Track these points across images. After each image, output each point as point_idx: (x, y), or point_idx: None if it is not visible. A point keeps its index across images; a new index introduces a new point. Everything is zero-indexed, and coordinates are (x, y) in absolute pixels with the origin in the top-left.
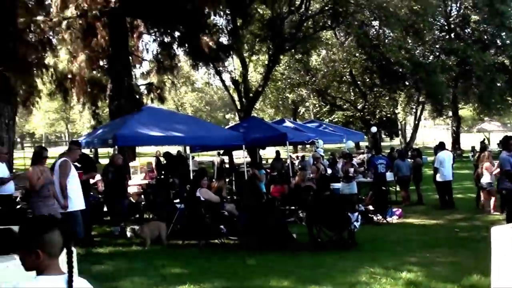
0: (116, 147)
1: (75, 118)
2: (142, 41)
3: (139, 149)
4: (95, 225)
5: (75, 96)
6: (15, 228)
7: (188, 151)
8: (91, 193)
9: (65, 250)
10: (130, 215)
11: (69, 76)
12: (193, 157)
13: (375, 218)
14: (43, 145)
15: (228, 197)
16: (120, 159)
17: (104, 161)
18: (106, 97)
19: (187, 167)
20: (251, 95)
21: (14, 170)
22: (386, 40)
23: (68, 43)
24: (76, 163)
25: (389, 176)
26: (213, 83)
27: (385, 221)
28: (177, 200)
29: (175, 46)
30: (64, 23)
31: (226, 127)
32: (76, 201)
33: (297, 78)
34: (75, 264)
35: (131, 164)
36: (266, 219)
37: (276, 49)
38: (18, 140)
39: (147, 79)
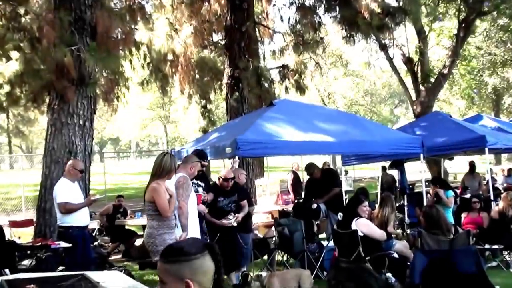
0: (236, 158)
1: (177, 118)
2: (274, 5)
3: (269, 161)
4: None
5: (178, 86)
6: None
7: (339, 163)
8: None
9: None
10: (255, 256)
11: (169, 57)
12: (346, 172)
13: None
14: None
15: (399, 231)
16: (243, 176)
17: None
18: (222, 87)
19: (337, 186)
20: (432, 80)
21: (91, 192)
22: None
23: (168, 11)
24: (197, 181)
25: None
26: (375, 64)
27: None
28: (323, 235)
29: (320, 12)
30: None
31: (395, 126)
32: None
33: (501, 54)
34: None
35: (257, 182)
36: (454, 264)
37: (470, 11)
38: (97, 149)
39: (280, 60)
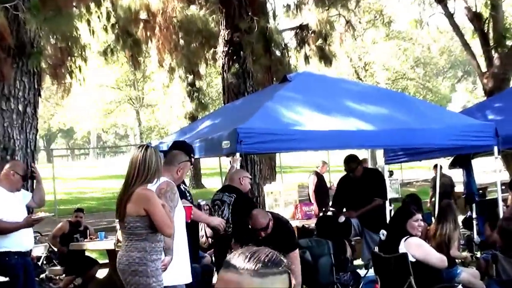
0: (237, 155)
1: (154, 100)
2: None
3: (283, 159)
4: None
5: (155, 56)
6: None
7: (380, 160)
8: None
9: None
10: None
11: (143, 16)
12: (391, 173)
13: None
14: (92, 152)
15: (465, 254)
16: (247, 180)
17: (212, 184)
18: (217, 57)
19: (381, 196)
20: (508, 43)
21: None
22: None
23: None
24: (184, 186)
25: None
26: (429, 23)
27: None
28: (359, 261)
29: None
30: None
31: (457, 108)
32: (180, 266)
33: None
34: None
35: (267, 188)
36: None
37: None
38: (43, 144)
39: (297, 19)
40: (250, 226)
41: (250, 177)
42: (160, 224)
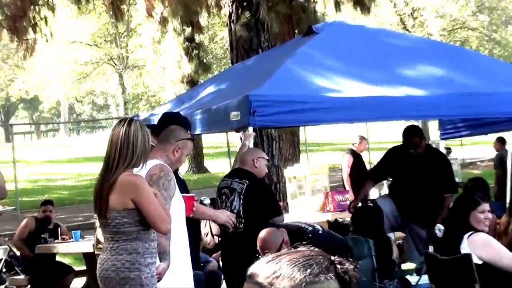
0: (250, 130)
1: (141, 61)
2: None
3: (308, 134)
4: None
5: (142, 2)
6: None
7: (433, 134)
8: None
9: None
10: None
11: None
12: (448, 151)
13: None
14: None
15: None
16: (263, 162)
17: (217, 167)
18: (222, 3)
19: (452, 188)
20: None
21: None
22: None
23: None
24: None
25: None
26: None
27: None
28: (409, 265)
29: None
30: None
31: None
32: (179, 273)
33: None
34: None
35: (289, 172)
36: None
37: None
38: None
39: None
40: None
41: (267, 158)
42: (153, 219)
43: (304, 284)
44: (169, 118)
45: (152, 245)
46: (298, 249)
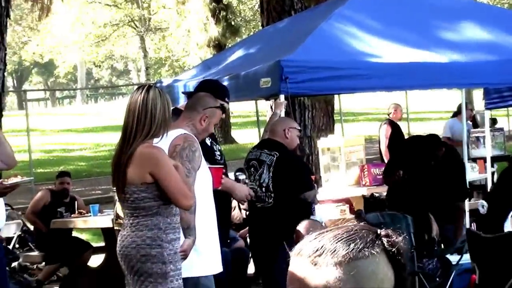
0: (281, 98)
1: (165, 23)
2: None
3: (343, 103)
4: None
5: None
6: None
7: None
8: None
9: None
10: None
11: None
12: (494, 121)
13: None
14: (80, 94)
15: None
16: (295, 132)
17: (246, 138)
18: None
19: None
20: None
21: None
22: None
23: None
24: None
25: None
26: None
27: None
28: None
29: None
30: None
31: None
32: (207, 250)
33: None
34: None
35: (322, 143)
36: None
37: None
38: (12, 84)
39: None
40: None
41: (299, 128)
42: (174, 194)
43: (348, 259)
44: (205, 85)
45: (174, 220)
46: (342, 224)
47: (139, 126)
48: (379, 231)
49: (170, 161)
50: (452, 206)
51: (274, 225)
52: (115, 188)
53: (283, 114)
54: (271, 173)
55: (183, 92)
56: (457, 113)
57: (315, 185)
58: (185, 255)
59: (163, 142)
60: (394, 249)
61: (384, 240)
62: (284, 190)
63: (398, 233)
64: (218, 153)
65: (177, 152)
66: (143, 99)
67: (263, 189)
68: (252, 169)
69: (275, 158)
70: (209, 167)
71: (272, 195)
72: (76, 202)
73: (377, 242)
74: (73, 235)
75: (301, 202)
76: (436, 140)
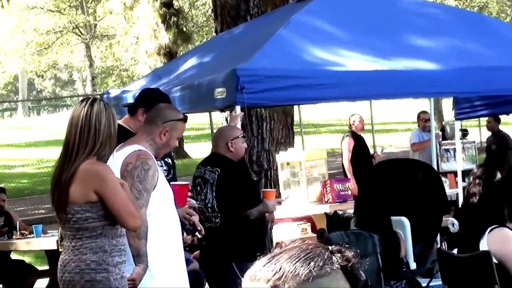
0: (237, 109)
1: (111, 30)
2: None
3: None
4: None
5: None
6: None
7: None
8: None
9: None
10: None
11: None
12: (465, 132)
13: None
14: (21, 106)
15: None
16: (239, 142)
17: (199, 152)
18: None
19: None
20: None
21: None
22: None
23: None
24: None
25: None
26: None
27: None
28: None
29: None
30: None
31: None
32: (167, 278)
33: None
34: None
35: (281, 157)
36: None
37: None
38: None
39: None
40: None
41: (244, 134)
42: (120, 212)
43: (311, 278)
44: (145, 95)
45: (120, 241)
46: (292, 245)
47: (81, 142)
48: (330, 247)
49: (116, 179)
50: (427, 221)
51: (223, 245)
52: (54, 209)
53: (239, 126)
54: (214, 193)
55: (123, 105)
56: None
57: (264, 201)
58: (134, 284)
59: (117, 160)
60: (349, 264)
61: (338, 255)
62: (228, 208)
63: (350, 248)
64: (165, 167)
65: (128, 172)
66: (87, 113)
67: (209, 209)
68: (198, 187)
69: (216, 176)
70: (172, 184)
71: (219, 214)
72: (16, 222)
73: (333, 258)
74: (12, 258)
75: (248, 220)
76: (417, 165)
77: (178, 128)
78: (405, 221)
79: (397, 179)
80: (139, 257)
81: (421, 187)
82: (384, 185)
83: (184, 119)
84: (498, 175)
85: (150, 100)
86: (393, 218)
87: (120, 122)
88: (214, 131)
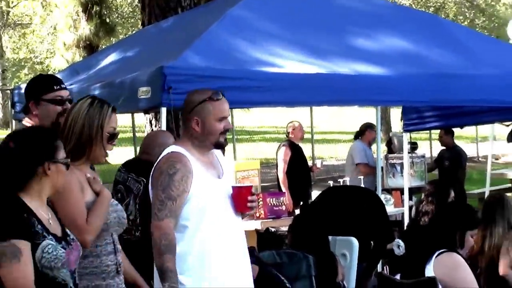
0: (163, 112)
1: (24, 18)
2: None
3: (238, 119)
4: None
5: None
6: None
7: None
8: None
9: None
10: None
11: None
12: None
13: None
14: None
15: None
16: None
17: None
18: None
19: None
20: None
21: None
22: None
23: None
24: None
25: None
26: None
27: None
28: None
29: None
30: None
31: None
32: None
33: None
34: None
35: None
36: None
37: None
38: None
39: None
40: None
41: (169, 135)
42: (68, 227)
43: None
44: (28, 88)
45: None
46: None
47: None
48: None
49: (75, 186)
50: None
51: (142, 260)
52: None
53: (163, 128)
54: (137, 205)
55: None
56: (360, 134)
57: None
58: None
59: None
60: None
61: None
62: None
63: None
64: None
65: (154, 178)
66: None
67: (130, 222)
68: (119, 195)
69: (142, 187)
70: (232, 187)
71: (140, 228)
72: None
73: None
74: None
75: None
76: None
77: (208, 110)
78: (354, 241)
79: (342, 204)
80: (162, 273)
81: (365, 216)
82: (327, 207)
83: (211, 97)
84: (452, 194)
85: (34, 90)
86: (340, 238)
87: (25, 122)
88: (137, 135)
